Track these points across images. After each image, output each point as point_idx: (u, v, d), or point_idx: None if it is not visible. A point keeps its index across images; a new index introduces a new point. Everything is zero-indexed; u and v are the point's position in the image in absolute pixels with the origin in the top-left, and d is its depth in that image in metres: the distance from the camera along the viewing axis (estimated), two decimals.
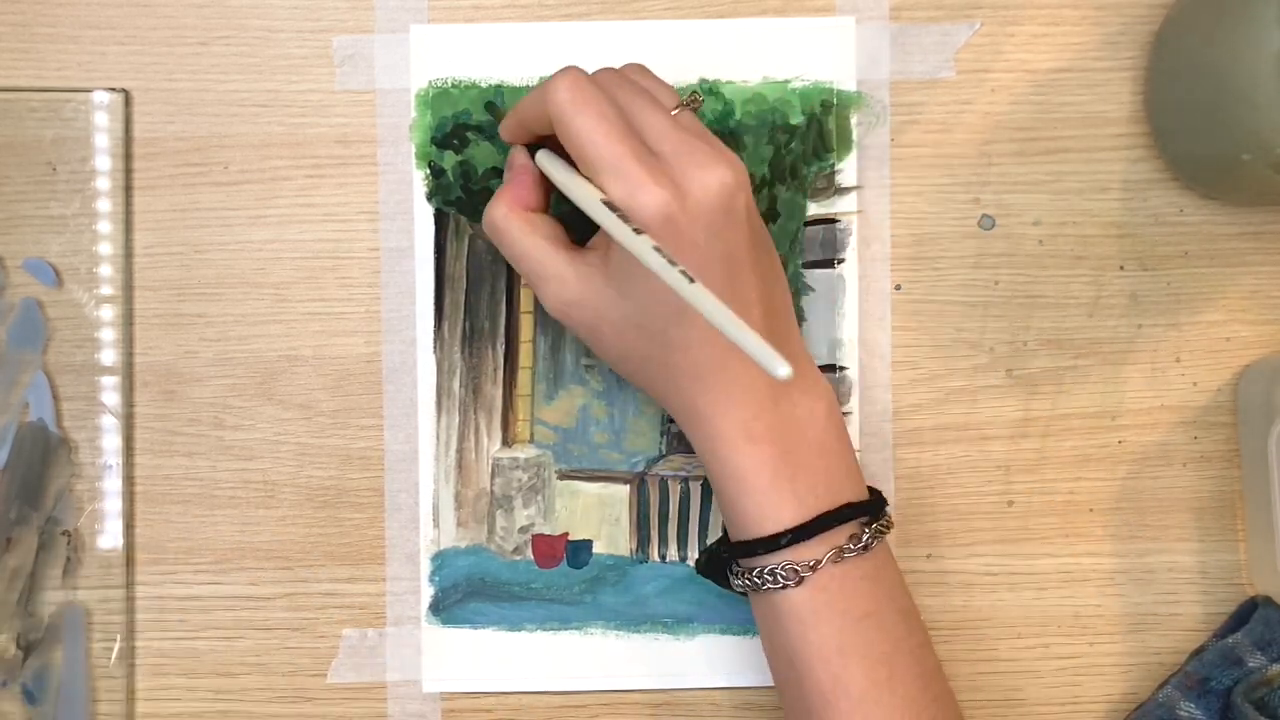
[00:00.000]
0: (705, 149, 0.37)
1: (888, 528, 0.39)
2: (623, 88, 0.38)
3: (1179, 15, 0.43)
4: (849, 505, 0.38)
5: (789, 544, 0.37)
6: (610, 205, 0.35)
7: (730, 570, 0.40)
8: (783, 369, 0.29)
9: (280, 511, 0.45)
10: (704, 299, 0.31)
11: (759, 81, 0.45)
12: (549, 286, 0.39)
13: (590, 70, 0.38)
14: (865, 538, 0.38)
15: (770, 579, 0.38)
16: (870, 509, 0.39)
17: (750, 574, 0.38)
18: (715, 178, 0.36)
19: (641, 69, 0.41)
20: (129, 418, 0.45)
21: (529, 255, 0.39)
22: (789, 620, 0.38)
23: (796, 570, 0.37)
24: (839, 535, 0.38)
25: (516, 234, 0.39)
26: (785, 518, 0.38)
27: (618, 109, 0.37)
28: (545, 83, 0.37)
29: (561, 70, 0.37)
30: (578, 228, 0.40)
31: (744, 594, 0.40)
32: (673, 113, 0.38)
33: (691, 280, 0.32)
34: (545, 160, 0.39)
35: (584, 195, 0.36)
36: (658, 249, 0.33)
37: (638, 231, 0.34)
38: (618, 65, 0.40)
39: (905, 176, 0.46)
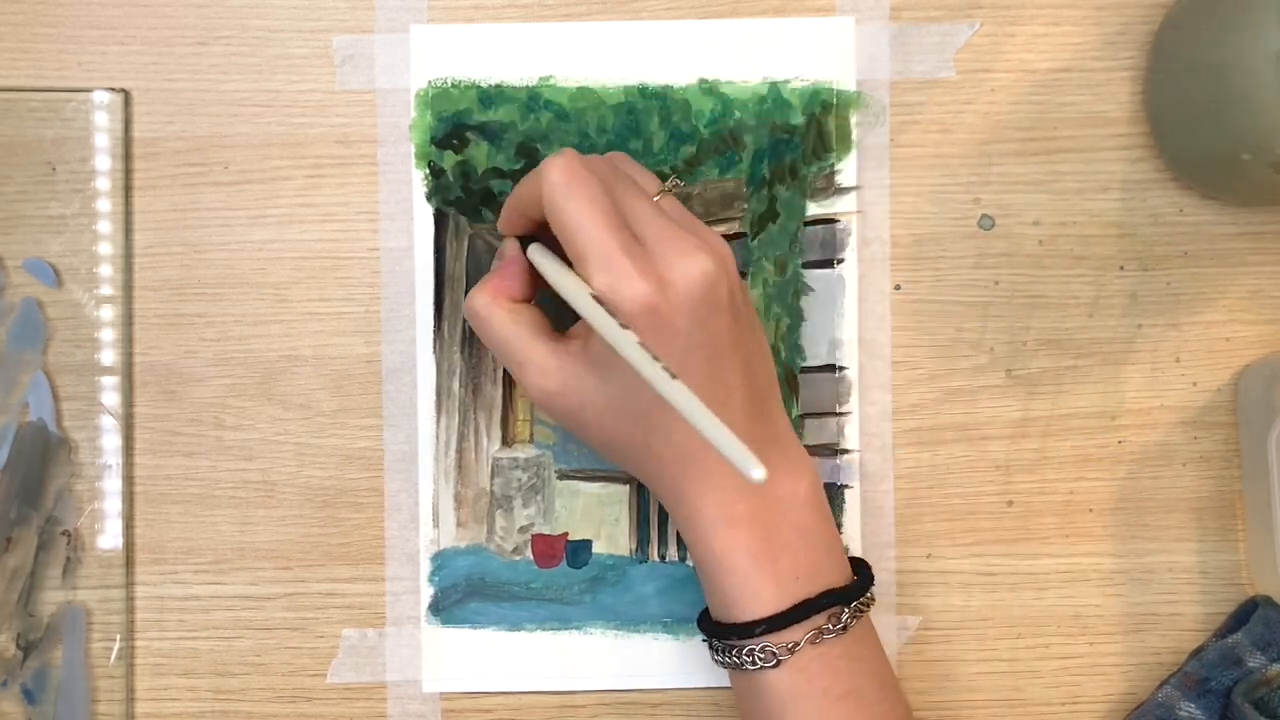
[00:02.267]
0: (688, 238, 0.37)
1: (868, 605, 0.39)
2: (613, 179, 0.38)
3: (1179, 15, 0.43)
4: (829, 592, 0.38)
5: (764, 632, 0.37)
6: (596, 298, 0.36)
7: (710, 644, 0.40)
8: (756, 472, 0.30)
9: (280, 511, 0.45)
10: (682, 396, 0.32)
11: (759, 81, 0.45)
12: (530, 375, 0.38)
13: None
14: (845, 618, 0.38)
15: (749, 659, 0.38)
16: (851, 591, 0.39)
17: (729, 652, 0.39)
18: (697, 267, 0.36)
19: (624, 157, 0.41)
20: (129, 418, 0.45)
21: (510, 344, 0.39)
22: (769, 699, 0.38)
23: (775, 653, 0.37)
24: (819, 618, 0.38)
25: (498, 324, 0.39)
26: (765, 601, 0.38)
27: (606, 197, 0.37)
28: (541, 164, 0.37)
29: (557, 153, 0.37)
30: (560, 316, 0.40)
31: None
32: (655, 199, 0.38)
33: (673, 376, 0.32)
34: (537, 253, 0.39)
35: (570, 288, 0.36)
36: (641, 344, 0.33)
37: (624, 326, 0.34)
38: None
39: (905, 176, 0.46)
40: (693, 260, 0.36)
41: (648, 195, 0.38)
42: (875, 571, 0.45)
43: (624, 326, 0.34)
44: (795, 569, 0.38)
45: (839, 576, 0.39)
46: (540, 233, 0.40)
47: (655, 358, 0.33)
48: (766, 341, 0.41)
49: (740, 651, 0.38)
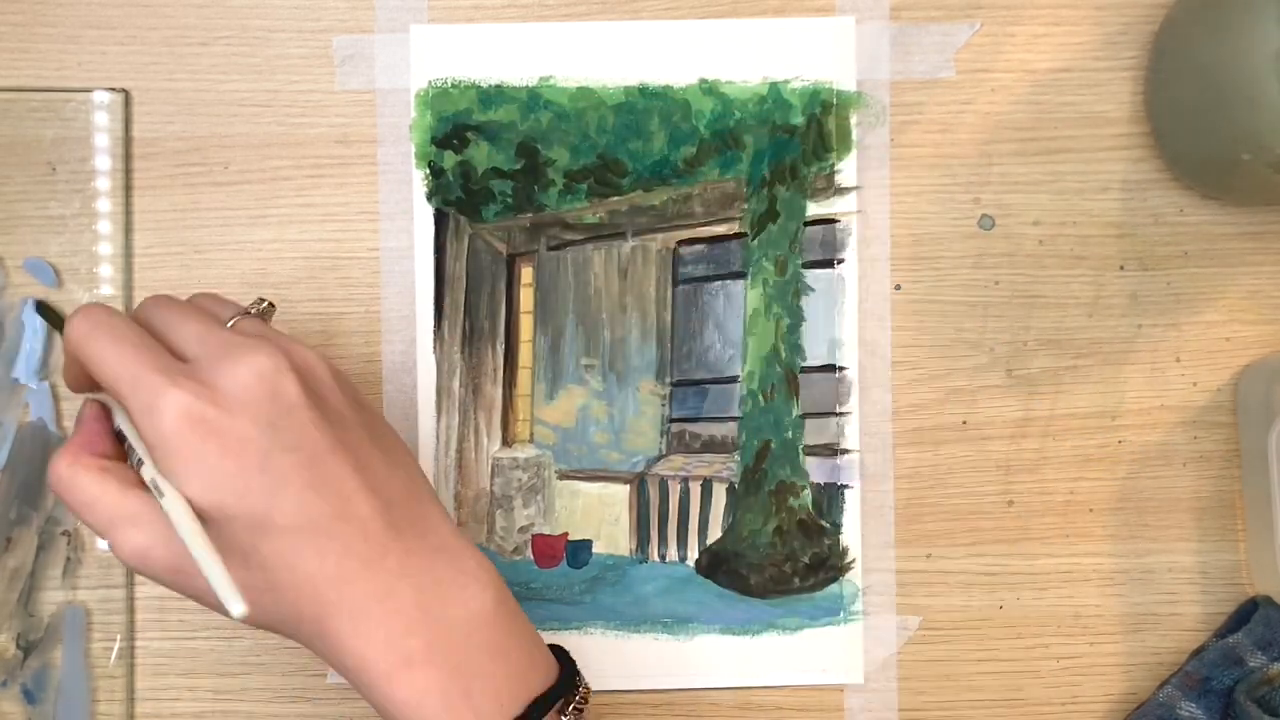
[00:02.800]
0: (242, 344, 0.34)
1: (585, 699, 0.36)
2: (163, 310, 0.36)
3: (1179, 15, 0.43)
4: (539, 699, 0.34)
5: None
6: (126, 424, 0.34)
7: None
8: (236, 607, 0.27)
9: None
10: (175, 512, 0.30)
11: (759, 81, 0.45)
12: (122, 531, 0.33)
13: None
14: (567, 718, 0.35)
15: None
16: (561, 687, 0.35)
17: None
18: (247, 367, 0.33)
19: (209, 295, 0.38)
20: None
21: (98, 501, 0.34)
22: None
23: None
24: None
25: (83, 481, 0.34)
26: None
27: (138, 329, 0.34)
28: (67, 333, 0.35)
29: (79, 308, 0.35)
30: None
31: None
32: (230, 323, 0.36)
33: (161, 494, 0.31)
34: (120, 415, 0.36)
35: (122, 424, 0.35)
36: (152, 464, 0.32)
37: (142, 456, 0.33)
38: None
39: (905, 176, 0.46)
40: (243, 362, 0.33)
41: (206, 317, 0.36)
42: (877, 571, 0.45)
43: (161, 494, 0.32)
44: (498, 695, 0.33)
45: (546, 678, 0.35)
46: None
47: (158, 481, 0.31)
48: (405, 449, 0.37)
49: None
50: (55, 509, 0.44)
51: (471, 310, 0.45)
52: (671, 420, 0.45)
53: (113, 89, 0.45)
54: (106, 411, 0.36)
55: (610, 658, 0.45)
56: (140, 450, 0.33)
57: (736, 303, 0.45)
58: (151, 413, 0.32)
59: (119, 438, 0.36)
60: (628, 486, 0.45)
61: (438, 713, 0.33)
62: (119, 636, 0.45)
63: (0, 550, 0.44)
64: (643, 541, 0.45)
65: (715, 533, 0.45)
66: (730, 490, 0.45)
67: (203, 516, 0.32)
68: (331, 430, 0.34)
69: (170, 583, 0.34)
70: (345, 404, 0.35)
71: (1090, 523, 0.46)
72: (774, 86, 0.45)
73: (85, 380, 0.36)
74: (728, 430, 0.46)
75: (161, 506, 0.32)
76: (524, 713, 0.34)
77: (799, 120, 0.45)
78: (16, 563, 0.44)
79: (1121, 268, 0.46)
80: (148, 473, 0.33)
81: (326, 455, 0.33)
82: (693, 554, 0.45)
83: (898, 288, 0.46)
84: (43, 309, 0.43)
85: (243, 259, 0.45)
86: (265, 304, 0.38)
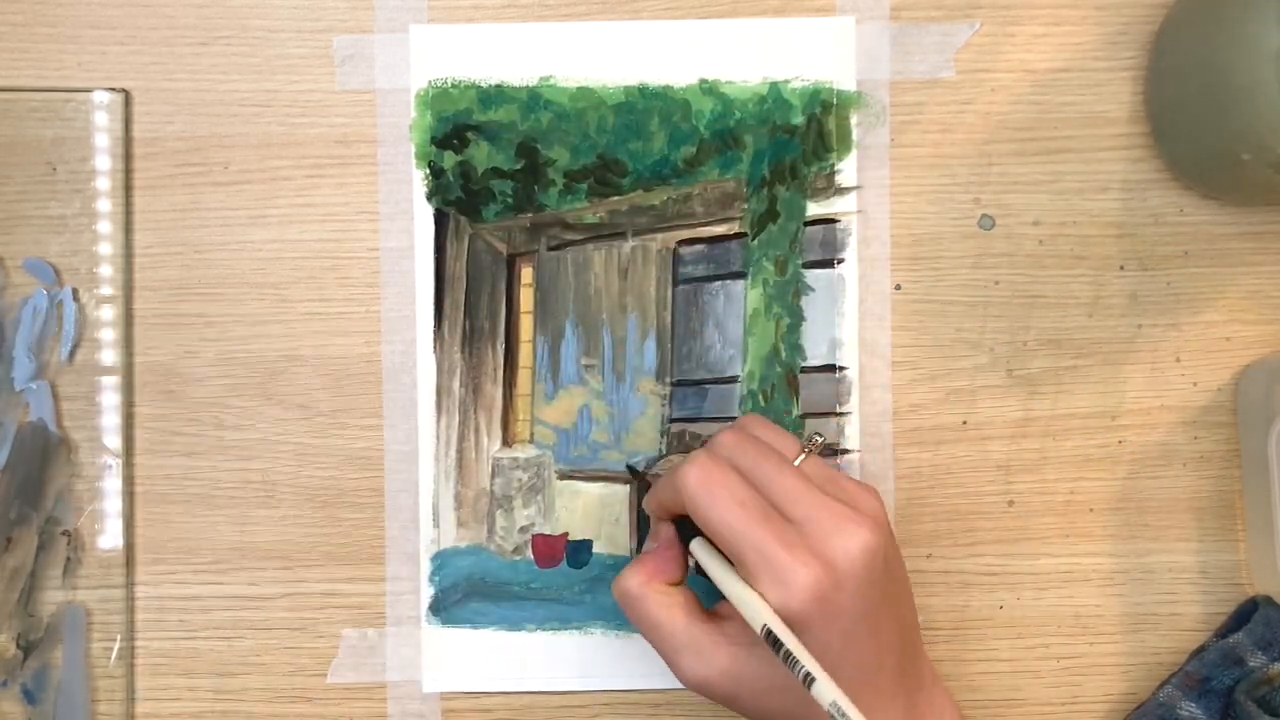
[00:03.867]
0: (842, 510, 0.36)
1: None
2: (746, 452, 0.38)
3: (1179, 15, 0.43)
4: None
5: None
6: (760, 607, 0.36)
7: None
8: None
9: (280, 511, 0.45)
10: (839, 699, 0.33)
11: (759, 81, 0.45)
12: (686, 660, 0.38)
13: None
14: None
15: None
16: None
17: None
18: (858, 544, 0.36)
19: (759, 421, 0.41)
20: (129, 418, 0.45)
21: (664, 628, 0.38)
22: None
23: None
24: None
25: (653, 606, 0.38)
26: None
27: (749, 487, 0.37)
28: (675, 472, 0.38)
29: (690, 459, 0.38)
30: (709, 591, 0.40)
31: None
32: (797, 463, 0.38)
33: (810, 681, 0.33)
34: (700, 550, 0.39)
35: (738, 593, 0.36)
36: (784, 649, 0.34)
37: (776, 639, 0.35)
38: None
39: (905, 176, 0.46)
40: (853, 538, 0.36)
41: (789, 464, 0.38)
42: None
43: (842, 714, 0.34)
44: None
45: None
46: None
47: (804, 660, 0.34)
48: (908, 585, 0.40)
49: None
50: (55, 509, 0.44)
51: (471, 310, 0.45)
52: (671, 420, 0.45)
53: (113, 89, 0.45)
54: (676, 535, 0.40)
55: (610, 658, 0.45)
56: (747, 579, 0.36)
57: (736, 303, 0.46)
58: (784, 587, 0.35)
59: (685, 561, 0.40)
60: (628, 486, 0.45)
61: None
62: (119, 636, 0.45)
63: (0, 550, 0.44)
64: (643, 541, 0.45)
65: None
66: None
67: (778, 661, 0.36)
68: (890, 591, 0.37)
69: (719, 701, 0.38)
70: (895, 558, 0.38)
71: (1090, 523, 0.46)
72: (774, 86, 0.45)
73: (666, 511, 0.39)
74: None
75: (812, 690, 0.34)
76: None
77: (799, 120, 0.45)
78: (16, 563, 0.44)
79: (1121, 268, 0.46)
80: (826, 694, 0.34)
81: (883, 617, 0.37)
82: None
83: (898, 288, 0.46)
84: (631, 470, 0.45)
85: (243, 259, 0.45)
86: (821, 439, 0.40)
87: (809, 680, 0.34)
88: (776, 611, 0.35)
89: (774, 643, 0.35)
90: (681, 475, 0.37)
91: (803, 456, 0.39)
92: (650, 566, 0.39)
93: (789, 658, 0.35)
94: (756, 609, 0.36)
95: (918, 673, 0.39)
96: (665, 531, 0.40)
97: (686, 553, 0.40)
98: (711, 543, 0.38)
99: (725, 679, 0.37)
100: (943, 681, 0.40)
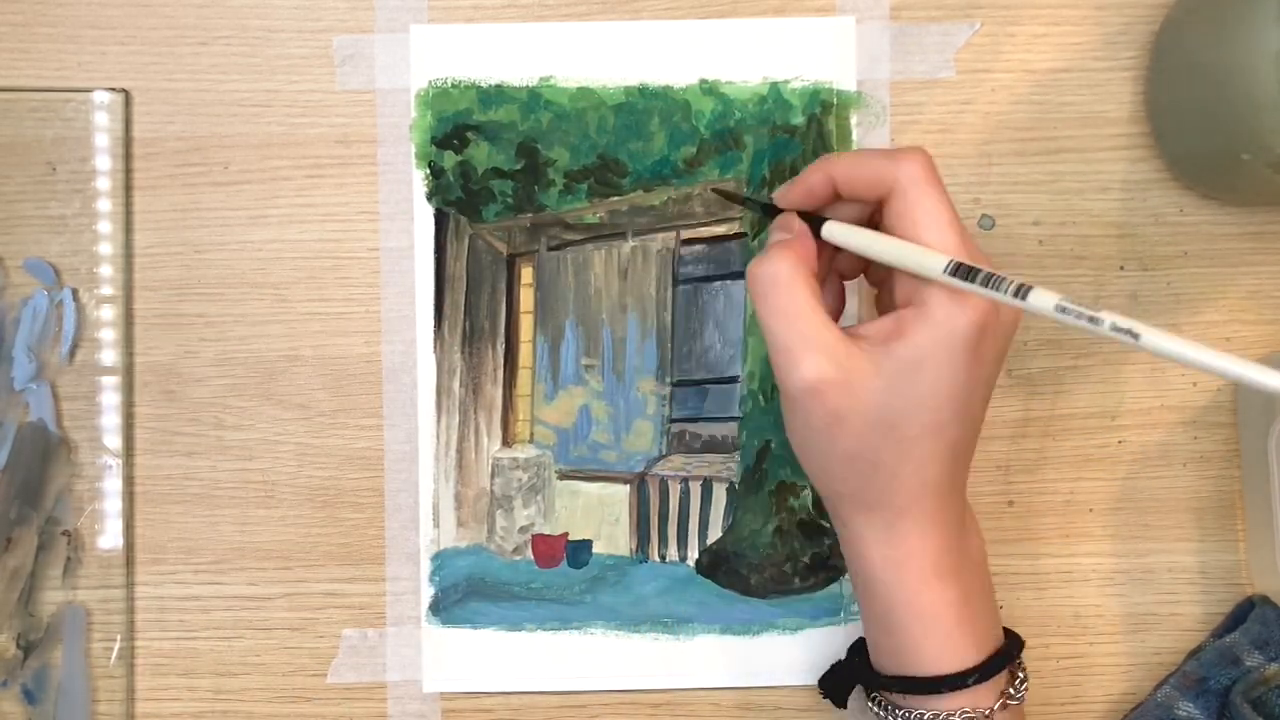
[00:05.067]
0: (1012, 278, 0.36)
1: (1026, 675, 0.39)
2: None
3: (1179, 15, 0.43)
4: (1006, 647, 0.38)
5: (975, 683, 0.36)
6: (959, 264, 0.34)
7: (871, 699, 0.39)
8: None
9: (280, 511, 0.45)
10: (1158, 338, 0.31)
11: (759, 81, 0.45)
12: (810, 358, 0.35)
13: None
14: (1020, 680, 0.38)
15: None
16: (1014, 649, 0.38)
17: (909, 713, 0.37)
18: (1014, 309, 0.35)
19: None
20: (129, 418, 0.45)
21: (802, 318, 0.35)
22: None
23: (973, 718, 0.37)
24: (1002, 679, 0.37)
25: (800, 293, 0.35)
26: (968, 659, 0.37)
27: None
28: (892, 153, 0.36)
29: (913, 147, 0.36)
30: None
31: None
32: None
33: (1132, 333, 0.31)
34: (839, 230, 0.37)
35: (904, 252, 0.35)
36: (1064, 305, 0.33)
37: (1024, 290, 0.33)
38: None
39: None
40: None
41: None
42: None
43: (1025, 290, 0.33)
44: (990, 628, 0.38)
45: (1003, 637, 0.39)
46: (825, 213, 0.38)
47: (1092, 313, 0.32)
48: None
49: (934, 717, 0.37)
50: (55, 509, 0.44)
51: (471, 310, 0.45)
52: (672, 420, 0.45)
53: (113, 89, 0.45)
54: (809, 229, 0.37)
55: (610, 658, 0.45)
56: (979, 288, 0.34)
57: (737, 303, 0.45)
58: (962, 296, 0.34)
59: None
60: (628, 486, 0.45)
61: (951, 623, 0.36)
62: (119, 636, 0.45)
63: (0, 550, 0.44)
64: (643, 541, 0.45)
65: (715, 533, 0.45)
66: (730, 490, 0.45)
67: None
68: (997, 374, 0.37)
69: (817, 418, 0.35)
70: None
71: (1090, 523, 0.46)
72: (774, 86, 0.45)
73: (812, 200, 0.38)
74: (728, 430, 0.46)
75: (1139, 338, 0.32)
76: (1001, 651, 0.37)
77: (799, 120, 0.45)
78: (16, 563, 0.44)
79: (1121, 268, 0.46)
80: (1044, 299, 0.33)
81: (987, 395, 0.37)
82: (693, 554, 0.45)
83: None
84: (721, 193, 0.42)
85: (243, 259, 0.45)
86: (992, 219, 0.41)
87: (1023, 291, 0.33)
88: (933, 312, 0.34)
89: (966, 274, 0.33)
90: (905, 155, 0.35)
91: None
92: (798, 250, 0.36)
93: (990, 280, 0.33)
94: (934, 252, 0.34)
95: (965, 488, 0.39)
96: (795, 222, 0.37)
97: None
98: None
99: (842, 389, 0.35)
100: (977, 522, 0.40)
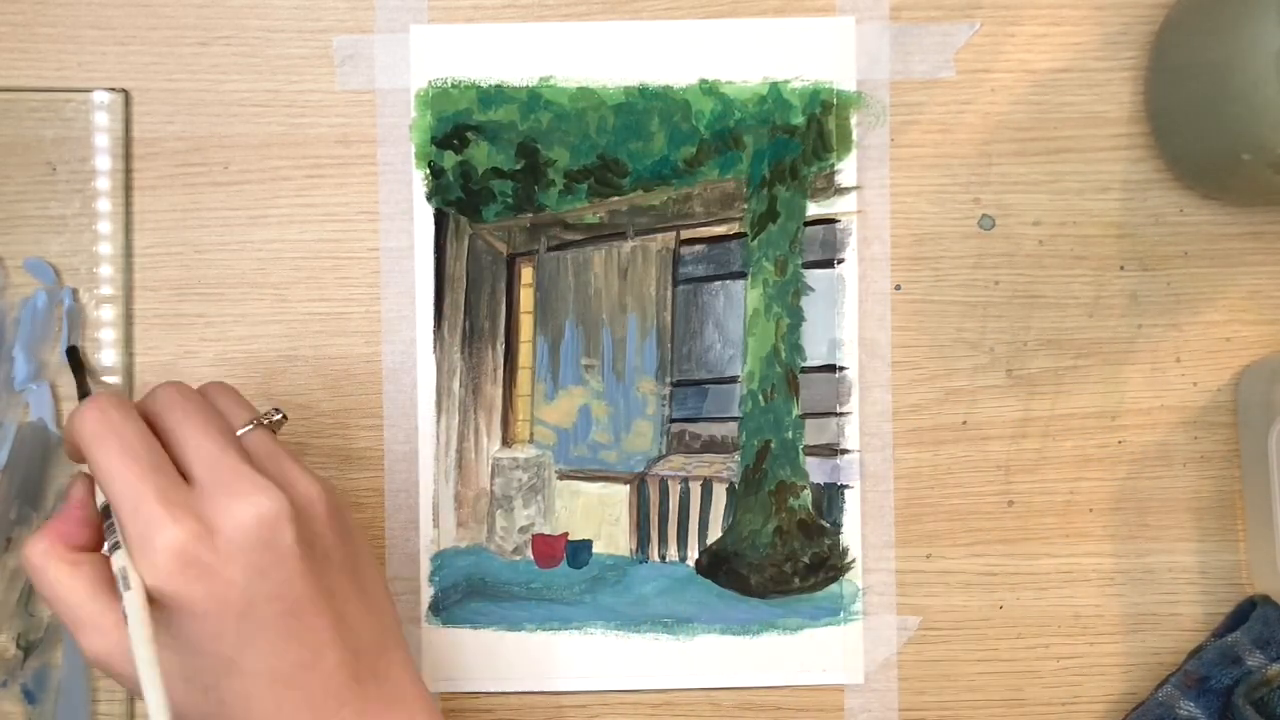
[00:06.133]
0: (248, 478, 0.33)
1: None
2: (177, 408, 0.35)
3: (1179, 15, 0.43)
4: None
5: None
6: (118, 551, 0.33)
7: None
8: None
9: None
10: (133, 618, 0.30)
11: (759, 81, 0.45)
12: (86, 636, 0.33)
13: None
14: None
15: None
16: None
17: None
18: (250, 510, 0.32)
19: (222, 387, 0.38)
20: None
21: (65, 600, 0.34)
22: None
23: None
24: None
25: (54, 574, 0.34)
26: None
27: (148, 440, 0.33)
28: (72, 413, 0.34)
29: (91, 398, 0.34)
30: None
31: None
32: (241, 432, 0.35)
33: (127, 587, 0.30)
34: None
35: (114, 557, 0.33)
36: (140, 606, 0.31)
37: (126, 587, 0.32)
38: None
39: (905, 176, 0.46)
40: (246, 502, 0.33)
41: (224, 430, 0.35)
42: (877, 571, 0.45)
43: (127, 587, 0.31)
44: None
45: None
46: None
47: (128, 565, 0.31)
48: (383, 586, 0.37)
49: None
50: (55, 509, 0.44)
51: (471, 310, 0.45)
52: (671, 420, 0.45)
53: (113, 89, 0.45)
54: (93, 487, 0.36)
55: (610, 658, 0.45)
56: (121, 538, 0.33)
57: (736, 303, 0.46)
58: (145, 544, 0.32)
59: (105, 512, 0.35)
60: (628, 486, 0.45)
61: None
62: None
63: (0, 550, 0.44)
64: (643, 541, 0.45)
65: (715, 533, 0.45)
66: (730, 490, 0.45)
67: (172, 646, 0.32)
68: (316, 578, 0.34)
69: (129, 685, 0.33)
70: (335, 544, 0.35)
71: (1090, 523, 0.46)
72: (774, 86, 0.45)
73: (80, 454, 0.35)
74: (728, 430, 0.46)
75: (122, 602, 0.31)
76: None
77: (799, 120, 0.45)
78: (17, 563, 0.44)
79: (1121, 268, 0.46)
80: (118, 561, 0.32)
81: (307, 605, 0.33)
82: (693, 554, 0.45)
83: (898, 288, 0.46)
84: (73, 355, 0.42)
85: (243, 259, 0.45)
86: (279, 416, 0.37)
87: (124, 583, 0.31)
88: (134, 561, 0.32)
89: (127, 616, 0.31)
90: (77, 411, 0.34)
91: (249, 428, 0.35)
92: (54, 530, 0.35)
93: (115, 549, 0.32)
94: (115, 567, 0.32)
95: (392, 692, 0.35)
96: (77, 491, 0.36)
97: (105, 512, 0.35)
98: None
99: (125, 659, 0.33)
100: (436, 710, 0.36)
